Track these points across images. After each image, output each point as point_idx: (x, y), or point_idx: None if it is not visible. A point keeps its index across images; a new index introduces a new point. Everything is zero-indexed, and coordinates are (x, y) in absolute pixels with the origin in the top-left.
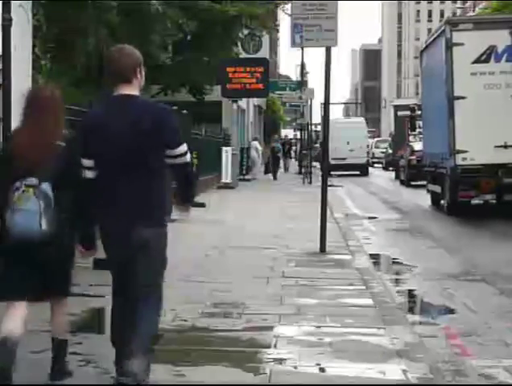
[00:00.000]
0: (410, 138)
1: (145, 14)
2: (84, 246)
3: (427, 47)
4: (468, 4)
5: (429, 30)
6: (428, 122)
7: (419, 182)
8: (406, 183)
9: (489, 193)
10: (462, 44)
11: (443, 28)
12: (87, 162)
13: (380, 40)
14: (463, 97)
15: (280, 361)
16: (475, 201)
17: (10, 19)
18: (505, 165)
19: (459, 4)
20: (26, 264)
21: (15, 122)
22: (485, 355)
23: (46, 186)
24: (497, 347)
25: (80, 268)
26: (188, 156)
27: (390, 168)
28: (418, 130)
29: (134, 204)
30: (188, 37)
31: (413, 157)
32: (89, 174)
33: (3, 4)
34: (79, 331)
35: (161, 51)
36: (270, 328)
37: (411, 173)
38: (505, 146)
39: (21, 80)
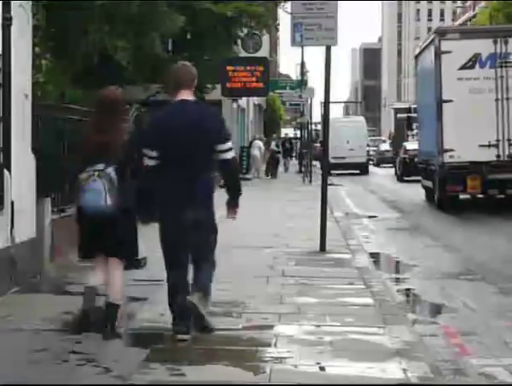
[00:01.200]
0: (409, 138)
1: (144, 12)
2: (144, 220)
3: (420, 53)
4: (469, 3)
5: (429, 28)
6: (422, 123)
7: (411, 178)
8: (400, 179)
9: (475, 188)
10: (450, 52)
11: (432, 37)
12: (151, 153)
13: (380, 39)
14: (450, 100)
15: (280, 360)
16: (463, 196)
17: (10, 19)
18: (488, 162)
19: (459, 3)
20: (97, 231)
21: (15, 122)
22: (485, 353)
23: (110, 170)
24: (496, 346)
25: (80, 268)
26: (233, 152)
27: (381, 165)
28: (415, 131)
29: (189, 189)
30: (188, 36)
31: (406, 155)
32: (151, 163)
33: (3, 4)
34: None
35: (159, 47)
36: (270, 327)
37: (404, 169)
38: (489, 145)
39: (21, 80)
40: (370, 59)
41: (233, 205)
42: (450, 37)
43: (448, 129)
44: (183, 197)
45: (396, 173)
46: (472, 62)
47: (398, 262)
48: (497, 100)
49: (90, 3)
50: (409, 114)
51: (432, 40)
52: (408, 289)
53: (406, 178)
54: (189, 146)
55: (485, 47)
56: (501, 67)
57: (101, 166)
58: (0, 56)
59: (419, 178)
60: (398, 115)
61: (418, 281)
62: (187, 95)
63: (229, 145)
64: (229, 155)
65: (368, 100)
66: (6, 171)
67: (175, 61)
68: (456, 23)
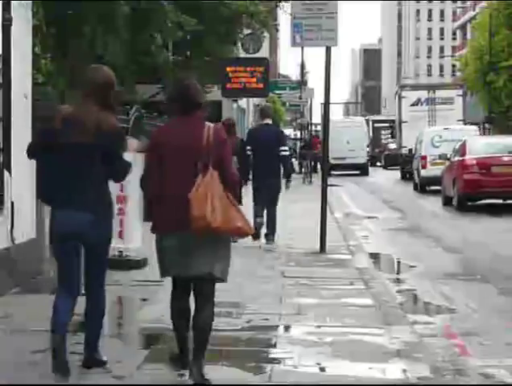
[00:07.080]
0: (383, 141)
1: (146, 13)
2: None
3: (395, 95)
4: (469, 4)
5: (429, 29)
6: (396, 133)
7: (393, 167)
8: (385, 168)
9: None
10: (405, 97)
11: (397, 89)
12: (248, 148)
13: (380, 40)
14: (406, 122)
15: (280, 360)
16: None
17: (11, 19)
18: None
19: (459, 3)
20: None
21: (15, 122)
22: (485, 354)
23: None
24: (497, 347)
25: None
26: (288, 152)
27: None
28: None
29: (269, 168)
30: (188, 36)
31: (388, 152)
32: (249, 153)
33: (3, 4)
34: (79, 331)
35: (161, 50)
36: (271, 328)
37: (388, 162)
38: None
39: (21, 80)
40: (370, 59)
41: (288, 176)
42: (406, 89)
43: (404, 136)
44: (266, 171)
45: (382, 164)
46: (417, 102)
47: (398, 262)
48: (429, 121)
49: (88, 3)
50: (392, 128)
51: (397, 90)
52: (408, 290)
53: (390, 168)
54: (266, 147)
55: (423, 94)
56: (431, 105)
57: None
58: (0, 56)
59: (397, 167)
60: (375, 124)
61: (418, 281)
62: (268, 121)
63: (286, 147)
64: (285, 153)
65: (368, 101)
66: (5, 171)
67: (175, 62)
68: (456, 24)
